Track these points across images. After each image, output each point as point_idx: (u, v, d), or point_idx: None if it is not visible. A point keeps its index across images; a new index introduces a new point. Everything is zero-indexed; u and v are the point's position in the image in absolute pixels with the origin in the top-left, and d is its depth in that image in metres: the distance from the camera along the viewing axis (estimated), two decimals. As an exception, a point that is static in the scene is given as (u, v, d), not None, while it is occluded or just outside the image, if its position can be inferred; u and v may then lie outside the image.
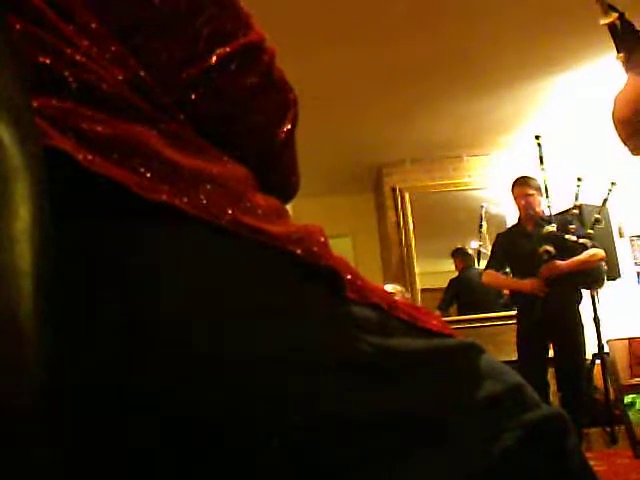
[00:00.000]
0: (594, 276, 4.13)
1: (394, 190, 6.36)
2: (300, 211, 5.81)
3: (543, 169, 4.35)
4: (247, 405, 0.47)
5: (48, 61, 0.50)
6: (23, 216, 0.37)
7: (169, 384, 0.46)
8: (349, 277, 0.56)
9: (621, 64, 1.76)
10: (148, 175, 0.49)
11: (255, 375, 0.48)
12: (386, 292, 0.61)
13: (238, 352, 0.48)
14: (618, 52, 1.80)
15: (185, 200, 0.49)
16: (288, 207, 0.66)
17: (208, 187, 0.52)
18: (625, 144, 1.65)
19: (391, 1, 3.73)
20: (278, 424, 0.48)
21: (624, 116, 1.57)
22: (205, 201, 0.50)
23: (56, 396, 0.40)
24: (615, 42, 1.82)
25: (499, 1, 3.82)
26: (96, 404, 0.45)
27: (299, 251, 0.53)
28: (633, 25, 1.81)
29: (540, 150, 4.38)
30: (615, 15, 1.81)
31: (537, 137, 4.41)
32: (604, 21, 1.82)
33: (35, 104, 0.47)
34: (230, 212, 0.51)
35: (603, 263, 4.16)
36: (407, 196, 6.34)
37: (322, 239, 0.56)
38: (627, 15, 1.83)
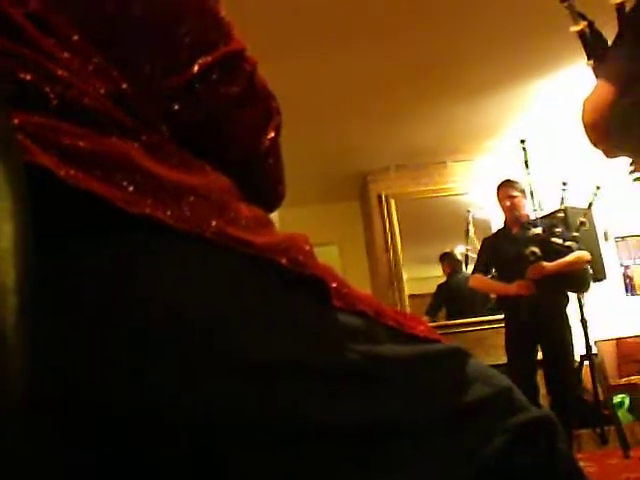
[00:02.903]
0: (580, 279, 4.15)
1: (380, 197, 6.38)
2: (286, 220, 5.80)
3: (529, 173, 4.38)
4: (236, 413, 0.47)
5: (29, 77, 0.50)
6: (7, 233, 0.37)
7: (159, 395, 0.46)
8: (335, 285, 0.57)
9: (592, 70, 1.80)
10: (131, 189, 0.49)
11: (244, 384, 0.48)
12: (373, 299, 0.61)
13: (226, 362, 0.48)
14: (588, 59, 1.84)
15: (168, 213, 0.49)
16: (274, 216, 0.66)
17: (191, 199, 0.52)
18: (596, 147, 1.68)
19: (374, 8, 3.75)
20: (266, 432, 0.48)
21: (592, 121, 1.60)
22: (189, 213, 0.50)
23: (40, 410, 0.40)
24: (585, 49, 1.86)
25: (481, 7, 3.85)
26: (80, 417, 0.45)
27: (284, 261, 0.53)
28: (601, 33, 1.85)
29: (526, 155, 4.40)
30: (584, 23, 1.85)
31: (522, 141, 4.44)
32: (574, 29, 1.86)
33: (16, 121, 0.47)
34: (214, 223, 0.51)
35: (589, 266, 4.18)
36: (393, 203, 6.36)
37: (307, 248, 0.56)
38: (596, 23, 1.87)
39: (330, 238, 6.59)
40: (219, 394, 0.47)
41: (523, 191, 4.27)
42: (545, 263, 3.98)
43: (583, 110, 1.63)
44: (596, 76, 1.70)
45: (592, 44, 1.86)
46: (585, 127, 1.64)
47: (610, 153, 1.71)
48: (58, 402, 0.44)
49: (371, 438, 0.51)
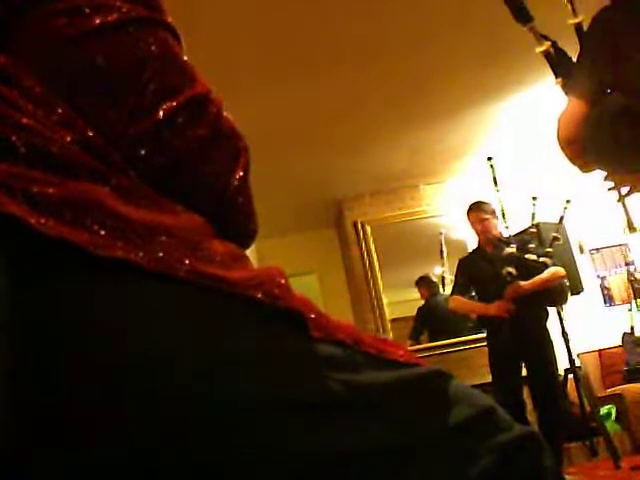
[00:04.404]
0: (557, 293, 4.18)
1: (355, 224, 6.41)
2: (264, 252, 5.81)
3: (498, 190, 4.43)
4: (215, 454, 0.47)
5: None
6: None
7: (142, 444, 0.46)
8: (313, 316, 0.57)
9: (561, 88, 1.84)
10: (102, 233, 0.49)
11: (224, 423, 0.47)
12: (352, 328, 0.61)
13: (207, 404, 0.47)
14: (556, 77, 1.89)
15: (141, 254, 0.49)
16: (252, 248, 0.66)
17: (163, 239, 0.52)
18: (573, 163, 1.71)
19: (338, 33, 3.79)
20: (250, 467, 0.48)
21: (568, 137, 1.64)
22: (161, 254, 0.51)
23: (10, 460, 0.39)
24: (552, 68, 1.91)
25: (445, 33, 3.92)
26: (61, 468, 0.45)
27: (260, 295, 0.53)
28: (565, 52, 1.90)
29: (493, 172, 4.46)
30: (548, 43, 1.90)
31: (489, 159, 4.50)
32: (539, 49, 1.91)
33: None
34: (187, 262, 0.51)
35: (565, 280, 4.22)
36: (369, 229, 6.39)
37: (282, 281, 0.57)
38: (560, 43, 1.92)
39: (308, 267, 6.60)
40: (199, 440, 0.47)
41: (493, 212, 4.30)
42: (522, 282, 4.01)
43: (558, 127, 1.67)
44: (565, 93, 1.74)
45: (558, 63, 1.91)
46: (560, 144, 1.68)
47: (585, 167, 1.75)
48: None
49: (355, 467, 0.51)
